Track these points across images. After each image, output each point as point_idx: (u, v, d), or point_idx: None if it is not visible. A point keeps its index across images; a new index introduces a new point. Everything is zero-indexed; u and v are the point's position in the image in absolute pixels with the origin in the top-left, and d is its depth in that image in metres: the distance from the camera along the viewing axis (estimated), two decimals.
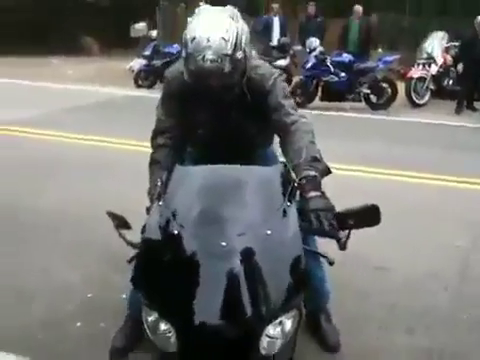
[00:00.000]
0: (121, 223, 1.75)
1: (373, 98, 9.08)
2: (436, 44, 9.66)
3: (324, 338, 2.48)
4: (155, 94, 11.09)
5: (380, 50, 11.21)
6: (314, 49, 9.02)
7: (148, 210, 1.84)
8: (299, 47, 10.53)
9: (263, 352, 1.43)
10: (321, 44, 9.33)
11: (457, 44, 9.56)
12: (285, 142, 1.96)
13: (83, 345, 2.46)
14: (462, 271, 3.28)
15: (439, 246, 3.61)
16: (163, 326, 1.46)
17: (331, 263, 1.62)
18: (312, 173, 1.75)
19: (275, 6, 11.52)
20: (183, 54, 1.90)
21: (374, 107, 9.08)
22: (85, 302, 2.82)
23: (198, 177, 1.68)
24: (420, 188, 4.92)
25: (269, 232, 1.49)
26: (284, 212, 1.55)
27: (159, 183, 1.71)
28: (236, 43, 1.85)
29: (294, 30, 11.33)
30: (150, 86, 11.21)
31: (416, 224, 4.00)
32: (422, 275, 3.19)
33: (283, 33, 11.16)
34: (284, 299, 1.45)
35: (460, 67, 9.17)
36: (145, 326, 1.52)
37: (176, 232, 1.52)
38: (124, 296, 2.82)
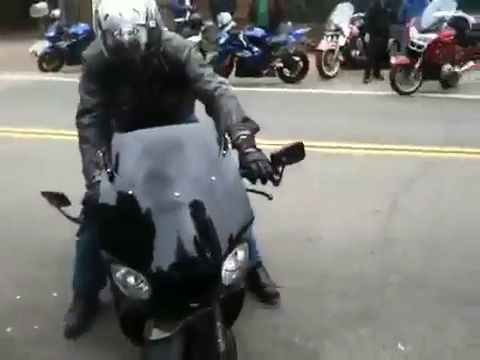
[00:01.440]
0: (60, 200, 1.79)
1: (286, 72, 9.22)
2: (342, 16, 9.93)
3: (263, 290, 2.62)
4: (62, 77, 10.52)
5: (289, 23, 11.32)
6: (226, 24, 8.99)
7: (88, 187, 2.00)
8: (210, 23, 10.43)
9: (225, 283, 1.63)
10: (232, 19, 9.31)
11: (362, 15, 9.89)
12: (212, 108, 2.08)
13: (17, 350, 2.35)
14: (384, 235, 3.46)
15: (361, 212, 3.78)
16: (132, 278, 1.60)
17: (270, 198, 1.86)
18: (247, 132, 1.90)
19: None
20: (98, 33, 2.01)
21: (287, 80, 9.23)
22: (14, 304, 2.68)
23: (138, 140, 1.80)
24: (336, 157, 5.11)
25: (214, 178, 1.68)
26: (222, 159, 1.76)
27: (101, 154, 1.83)
28: (147, 13, 1.99)
29: (204, 5, 11.18)
30: (56, 69, 10.65)
31: (337, 193, 4.17)
32: (349, 242, 3.34)
33: (192, 9, 11.01)
34: (236, 233, 1.66)
35: (367, 37, 9.52)
36: (115, 282, 1.64)
37: (131, 192, 1.64)
38: (55, 294, 2.72)
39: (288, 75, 9.26)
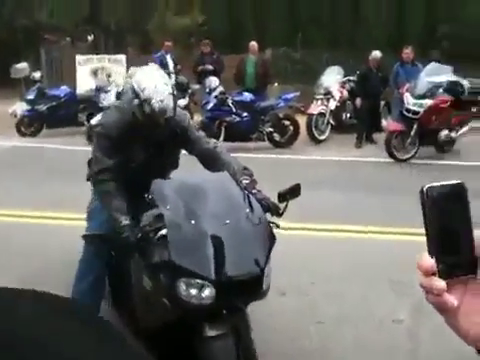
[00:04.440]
0: (98, 240, 2.46)
1: (276, 136, 8.89)
2: (332, 79, 9.74)
3: None
4: (40, 143, 9.88)
5: (276, 84, 11.14)
6: (214, 89, 8.67)
7: (118, 229, 2.41)
8: (197, 86, 10.16)
9: (264, 287, 2.18)
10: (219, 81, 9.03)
11: (352, 78, 9.71)
12: (214, 161, 2.62)
13: None
14: (413, 356, 2.93)
15: (378, 323, 3.22)
16: (194, 289, 2.08)
17: (278, 226, 2.41)
18: (248, 178, 2.50)
19: (168, 43, 11.07)
20: (135, 102, 2.49)
21: (278, 145, 8.89)
22: None
23: (181, 186, 2.36)
24: (333, 243, 4.48)
25: (247, 210, 2.26)
26: (249, 200, 2.31)
27: (150, 196, 2.32)
28: (171, 85, 2.58)
29: (189, 68, 10.92)
30: (35, 133, 10.15)
31: (341, 293, 3.55)
32: None
33: (175, 71, 10.74)
34: (268, 251, 2.24)
35: (358, 101, 9.29)
36: (178, 296, 2.09)
37: (193, 222, 2.17)
38: None
39: (278, 140, 8.93)
